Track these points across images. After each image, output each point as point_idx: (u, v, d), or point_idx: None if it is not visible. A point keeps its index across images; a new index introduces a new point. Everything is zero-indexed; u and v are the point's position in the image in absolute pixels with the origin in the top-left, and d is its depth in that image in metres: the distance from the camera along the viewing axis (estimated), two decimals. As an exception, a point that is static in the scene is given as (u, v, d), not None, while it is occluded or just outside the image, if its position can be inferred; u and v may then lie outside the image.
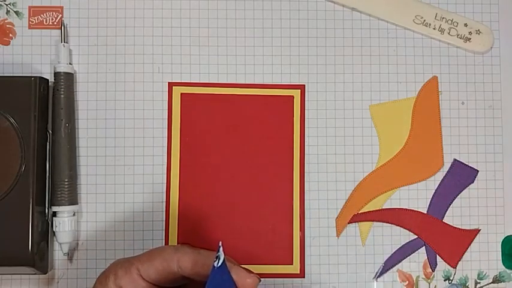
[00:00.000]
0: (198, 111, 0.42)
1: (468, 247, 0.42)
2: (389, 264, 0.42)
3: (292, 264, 0.41)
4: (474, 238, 0.42)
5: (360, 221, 0.42)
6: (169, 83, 0.42)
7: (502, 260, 0.42)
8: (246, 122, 0.42)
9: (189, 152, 0.41)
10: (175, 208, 0.41)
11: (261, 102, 0.42)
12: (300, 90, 0.42)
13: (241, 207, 0.41)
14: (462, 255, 0.42)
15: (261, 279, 0.39)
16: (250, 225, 0.41)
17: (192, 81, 0.42)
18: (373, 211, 0.42)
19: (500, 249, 0.42)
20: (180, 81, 0.42)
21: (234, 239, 0.41)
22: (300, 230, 0.41)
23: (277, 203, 0.41)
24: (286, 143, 0.42)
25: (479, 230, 0.42)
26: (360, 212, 0.42)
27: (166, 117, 0.41)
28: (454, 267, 0.42)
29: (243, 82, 0.42)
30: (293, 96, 0.42)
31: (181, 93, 0.42)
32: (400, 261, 0.42)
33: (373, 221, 0.42)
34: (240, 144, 0.41)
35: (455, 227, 0.42)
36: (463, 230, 0.42)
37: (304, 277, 0.41)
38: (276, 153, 0.42)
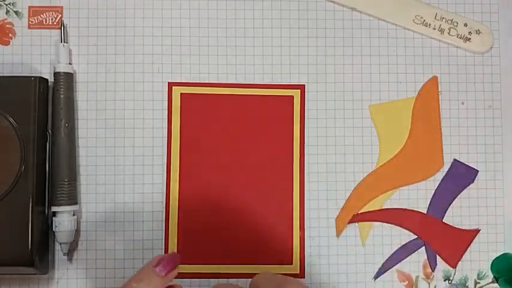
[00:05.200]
0: (198, 111, 0.42)
1: (468, 247, 0.42)
2: (389, 264, 0.42)
3: (292, 264, 0.41)
4: (474, 238, 0.42)
5: (360, 221, 0.42)
6: (169, 83, 0.42)
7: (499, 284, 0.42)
8: (246, 122, 0.42)
9: (189, 152, 0.41)
10: (175, 208, 0.41)
11: (261, 102, 0.42)
12: (299, 90, 0.42)
13: (241, 207, 0.41)
14: (462, 255, 0.42)
15: None
16: (250, 225, 0.41)
17: (192, 81, 0.42)
18: (373, 211, 0.42)
19: (500, 250, 0.42)
20: (180, 81, 0.42)
21: (234, 238, 0.41)
22: (300, 230, 0.41)
23: (277, 202, 0.41)
24: (286, 143, 0.42)
25: (479, 230, 0.42)
26: (360, 212, 0.42)
27: (166, 117, 0.41)
28: (454, 267, 0.42)
29: (243, 82, 0.42)
30: (293, 96, 0.42)
31: (181, 93, 0.42)
32: (400, 261, 0.42)
33: (373, 221, 0.42)
34: (239, 144, 0.41)
35: (455, 227, 0.42)
36: (463, 230, 0.42)
37: (304, 277, 0.41)
38: (276, 153, 0.42)
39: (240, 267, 0.41)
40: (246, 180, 0.41)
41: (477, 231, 0.42)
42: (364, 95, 0.43)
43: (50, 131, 0.40)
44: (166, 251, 0.41)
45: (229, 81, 0.42)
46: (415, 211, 0.42)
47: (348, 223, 0.42)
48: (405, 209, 0.42)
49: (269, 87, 0.42)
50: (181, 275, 0.40)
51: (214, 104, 0.42)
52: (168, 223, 0.41)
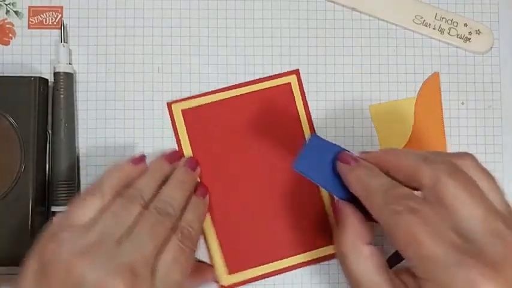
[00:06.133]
0: (203, 123, 0.41)
1: None
2: (389, 264, 0.42)
3: (333, 244, 0.41)
4: None
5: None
6: (167, 103, 0.41)
7: None
8: (252, 120, 0.41)
9: (204, 162, 0.41)
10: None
11: (261, 97, 0.42)
12: (295, 75, 0.42)
13: (269, 203, 0.41)
14: None
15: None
16: (283, 218, 0.41)
17: (189, 96, 0.42)
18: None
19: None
20: (179, 81, 0.42)
21: (271, 236, 0.41)
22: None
23: (301, 190, 0.41)
24: (296, 128, 0.41)
25: None
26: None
27: (174, 137, 0.41)
28: None
29: (243, 81, 0.42)
30: (290, 83, 0.42)
31: (181, 110, 0.41)
32: (399, 261, 0.42)
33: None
34: (252, 143, 0.41)
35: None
36: None
37: None
38: (287, 142, 0.41)
39: (287, 261, 0.41)
40: (265, 178, 0.41)
41: None
42: (364, 95, 0.43)
43: (50, 131, 0.40)
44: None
45: (229, 81, 0.42)
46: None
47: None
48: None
49: (264, 80, 0.42)
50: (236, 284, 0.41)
51: (216, 111, 0.41)
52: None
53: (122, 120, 0.41)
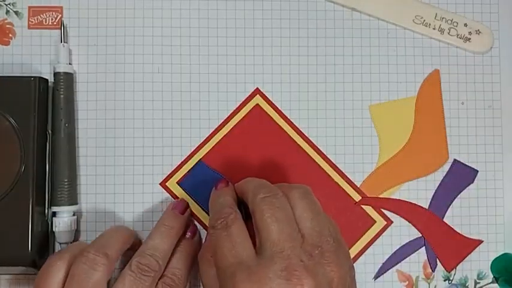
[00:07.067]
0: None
1: (466, 256, 0.42)
2: (389, 264, 0.42)
3: None
4: (475, 248, 0.42)
5: (360, 221, 0.42)
6: (161, 184, 0.41)
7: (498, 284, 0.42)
8: (244, 155, 0.41)
9: None
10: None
11: (240, 131, 0.41)
12: (258, 95, 0.42)
13: None
14: (459, 262, 0.42)
15: None
16: None
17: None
18: (379, 198, 0.42)
19: (500, 250, 0.42)
20: (179, 81, 0.42)
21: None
22: None
23: None
24: (287, 142, 0.42)
25: (482, 241, 0.42)
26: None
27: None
28: (449, 271, 0.42)
29: (242, 81, 0.42)
30: (258, 104, 0.42)
31: (176, 182, 0.41)
32: (400, 261, 0.42)
33: (377, 208, 0.41)
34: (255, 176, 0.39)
35: (459, 233, 0.42)
36: (466, 237, 0.42)
37: None
38: (287, 159, 0.41)
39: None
40: None
41: (480, 241, 0.42)
42: (364, 95, 0.43)
43: (50, 131, 0.40)
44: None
45: (229, 81, 0.42)
46: (421, 207, 0.42)
47: (348, 223, 0.42)
48: (411, 203, 0.42)
49: (234, 115, 0.41)
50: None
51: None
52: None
53: (122, 120, 0.41)
